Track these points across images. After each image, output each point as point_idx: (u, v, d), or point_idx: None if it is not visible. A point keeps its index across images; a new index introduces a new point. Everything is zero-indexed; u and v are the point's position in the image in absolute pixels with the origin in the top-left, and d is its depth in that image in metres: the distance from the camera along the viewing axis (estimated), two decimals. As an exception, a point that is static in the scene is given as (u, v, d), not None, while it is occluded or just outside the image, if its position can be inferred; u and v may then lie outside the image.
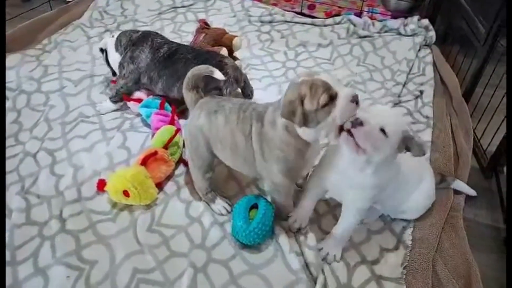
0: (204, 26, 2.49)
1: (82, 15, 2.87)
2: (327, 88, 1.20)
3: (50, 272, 1.40)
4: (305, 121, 1.24)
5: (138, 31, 2.05)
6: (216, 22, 2.73)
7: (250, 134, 1.38)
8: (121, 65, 2.01)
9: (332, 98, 1.20)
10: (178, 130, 1.81)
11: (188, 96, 1.54)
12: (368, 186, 1.30)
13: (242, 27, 2.78)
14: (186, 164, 1.77)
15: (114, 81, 2.16)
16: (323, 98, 1.19)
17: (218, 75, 1.51)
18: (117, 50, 2.03)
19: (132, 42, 2.00)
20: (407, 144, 1.23)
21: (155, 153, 1.67)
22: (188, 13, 2.92)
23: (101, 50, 2.11)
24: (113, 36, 2.07)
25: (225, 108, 1.44)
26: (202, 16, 2.85)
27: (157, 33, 2.08)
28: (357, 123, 1.18)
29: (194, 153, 1.54)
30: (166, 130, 1.80)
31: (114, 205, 1.62)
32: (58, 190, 1.67)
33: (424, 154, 1.24)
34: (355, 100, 1.21)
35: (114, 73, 2.12)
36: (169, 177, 1.73)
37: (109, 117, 2.02)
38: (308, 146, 1.34)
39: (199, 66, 1.53)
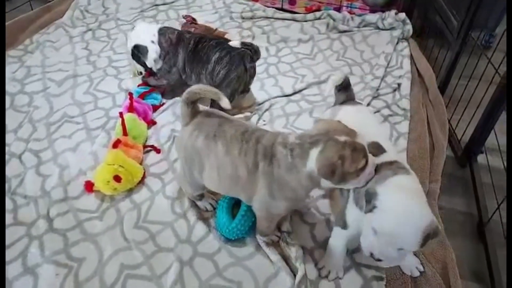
0: (192, 21, 2.52)
1: (64, 15, 2.87)
2: (366, 154, 1.21)
3: (39, 270, 1.44)
4: (343, 181, 1.23)
5: (174, 31, 2.05)
6: (198, 19, 2.73)
7: (255, 168, 1.32)
8: (165, 71, 2.07)
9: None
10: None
11: (184, 109, 1.42)
12: None
13: (223, 24, 2.81)
14: (158, 151, 1.86)
15: (148, 73, 2.17)
16: (361, 164, 1.19)
17: (225, 103, 1.39)
18: (160, 56, 2.04)
19: (173, 46, 2.02)
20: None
21: (119, 141, 1.74)
22: (169, 10, 2.94)
23: (136, 48, 2.04)
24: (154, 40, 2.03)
25: (226, 135, 1.36)
26: (184, 13, 2.86)
27: (185, 31, 2.12)
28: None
29: (187, 171, 1.49)
30: (127, 119, 1.85)
31: (100, 203, 1.65)
32: (45, 190, 1.70)
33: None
34: (375, 167, 1.24)
35: (146, 69, 2.12)
36: (154, 175, 1.78)
37: (93, 117, 2.05)
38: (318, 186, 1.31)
39: (207, 87, 1.42)
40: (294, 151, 1.25)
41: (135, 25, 2.20)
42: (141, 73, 2.16)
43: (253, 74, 2.02)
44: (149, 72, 2.14)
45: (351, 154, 1.18)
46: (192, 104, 1.42)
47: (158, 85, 2.14)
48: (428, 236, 1.12)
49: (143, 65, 2.08)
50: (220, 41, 1.98)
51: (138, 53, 2.05)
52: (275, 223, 1.49)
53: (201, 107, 1.48)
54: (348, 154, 1.18)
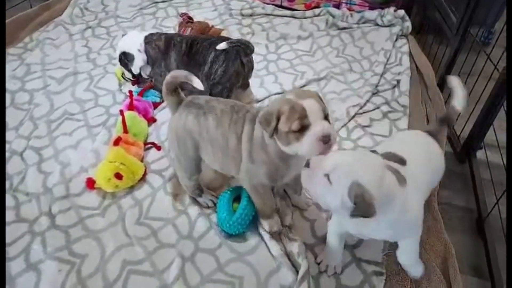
0: (188, 20, 2.52)
1: (63, 12, 2.88)
2: (302, 116, 1.19)
3: (42, 267, 1.45)
4: (277, 136, 1.25)
5: (160, 37, 2.06)
6: (197, 16, 2.75)
7: (242, 134, 1.37)
8: (157, 74, 2.08)
9: (304, 128, 1.20)
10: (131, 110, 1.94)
11: (169, 100, 1.49)
12: None
13: (223, 21, 2.81)
14: (158, 148, 1.87)
15: (135, 82, 2.22)
16: (295, 125, 1.19)
17: (196, 83, 1.46)
18: (148, 63, 2.09)
19: (162, 52, 2.03)
20: (354, 199, 1.09)
21: (119, 138, 1.74)
22: (169, 8, 2.94)
23: (124, 55, 2.10)
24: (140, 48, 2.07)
25: (216, 109, 1.42)
26: (183, 10, 2.87)
27: (175, 34, 2.13)
28: (307, 164, 1.19)
29: (182, 155, 1.52)
30: (127, 117, 1.86)
31: (102, 200, 1.66)
32: (46, 187, 1.71)
33: (370, 216, 1.09)
34: (325, 140, 1.19)
35: (133, 75, 2.17)
36: (156, 171, 1.79)
37: (94, 114, 2.06)
38: (290, 155, 1.30)
39: (178, 71, 1.51)
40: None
41: (125, 33, 2.25)
42: (124, 77, 2.20)
43: (250, 68, 2.03)
44: (136, 80, 2.20)
45: (288, 111, 1.20)
46: (174, 92, 1.48)
47: (158, 88, 2.13)
48: (353, 195, 1.08)
49: (130, 71, 2.14)
50: (213, 41, 2.00)
51: (125, 60, 2.11)
52: (267, 198, 1.50)
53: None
54: (285, 110, 1.21)
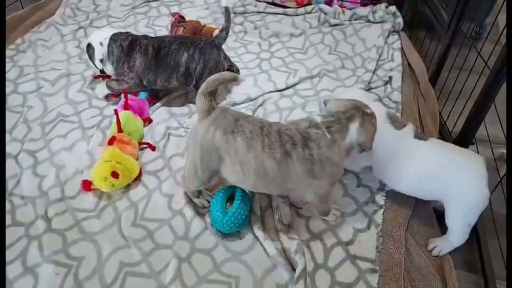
0: (180, 19, 2.52)
1: (55, 13, 2.86)
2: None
3: (39, 270, 1.45)
4: None
5: (127, 38, 2.06)
6: (189, 15, 2.75)
7: (286, 157, 1.36)
8: (120, 74, 2.06)
9: None
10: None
11: (201, 102, 1.43)
12: None
13: (215, 19, 2.81)
14: (153, 148, 1.87)
15: (99, 77, 2.22)
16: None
17: (240, 81, 1.52)
18: (109, 60, 2.07)
19: (125, 52, 2.03)
20: None
21: (114, 137, 1.75)
22: (161, 6, 2.93)
23: (88, 46, 2.10)
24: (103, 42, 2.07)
25: (245, 130, 1.38)
26: (175, 9, 2.87)
27: (144, 36, 2.12)
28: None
29: (203, 166, 1.47)
30: (121, 116, 1.86)
31: (98, 202, 1.67)
32: (42, 190, 1.71)
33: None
34: None
35: (101, 71, 2.15)
36: (151, 172, 1.79)
37: (88, 116, 2.06)
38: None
39: (225, 73, 1.49)
40: (331, 128, 1.38)
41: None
42: (101, 71, 2.18)
43: (225, 55, 2.09)
44: (100, 76, 2.20)
45: (376, 123, 1.43)
46: (210, 96, 1.43)
47: (119, 89, 2.10)
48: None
49: (94, 65, 2.14)
50: (182, 41, 2.01)
51: (88, 51, 2.11)
52: (330, 200, 1.58)
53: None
54: (376, 123, 1.43)
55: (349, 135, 1.39)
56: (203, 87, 1.42)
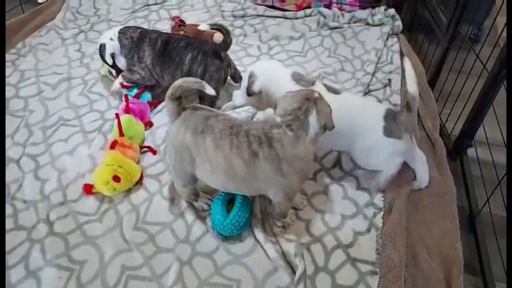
0: (180, 23, 2.53)
1: (55, 17, 2.88)
2: None
3: (42, 274, 1.46)
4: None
5: (136, 30, 2.10)
6: (189, 18, 2.76)
7: (253, 157, 1.37)
8: (131, 65, 2.09)
9: None
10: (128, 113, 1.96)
11: (170, 106, 1.47)
12: None
13: (215, 23, 2.81)
14: (154, 152, 1.88)
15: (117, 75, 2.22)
16: None
17: (208, 89, 1.47)
18: (122, 53, 2.12)
19: (135, 43, 2.07)
20: None
21: (115, 141, 1.77)
22: (161, 10, 2.94)
23: (100, 46, 2.14)
24: (113, 37, 2.11)
25: (214, 129, 1.40)
26: (175, 13, 2.89)
27: (154, 30, 2.15)
28: None
29: (178, 166, 1.52)
30: (123, 120, 1.88)
31: (99, 206, 1.68)
32: (44, 194, 1.72)
33: None
34: None
35: (111, 67, 2.18)
36: (152, 176, 1.80)
37: (89, 119, 2.07)
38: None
39: (189, 79, 1.50)
40: (292, 126, 1.38)
41: None
42: (111, 73, 2.23)
43: (230, 61, 2.10)
44: (117, 73, 2.20)
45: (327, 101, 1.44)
46: (177, 100, 1.46)
47: (131, 79, 2.13)
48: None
49: (107, 63, 2.17)
50: (189, 41, 2.03)
51: (100, 52, 2.14)
52: (293, 201, 1.58)
53: None
54: (327, 101, 1.44)
55: (311, 127, 1.40)
56: (169, 91, 1.46)
